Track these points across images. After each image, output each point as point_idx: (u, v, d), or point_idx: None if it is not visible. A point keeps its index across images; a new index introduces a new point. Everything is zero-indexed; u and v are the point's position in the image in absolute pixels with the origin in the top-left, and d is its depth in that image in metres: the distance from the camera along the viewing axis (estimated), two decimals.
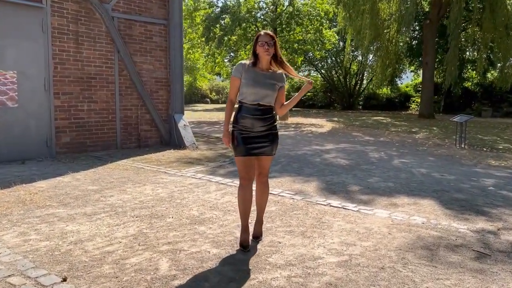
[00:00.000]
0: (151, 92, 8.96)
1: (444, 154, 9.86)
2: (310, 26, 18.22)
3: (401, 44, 25.28)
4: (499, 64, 24.07)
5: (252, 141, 3.33)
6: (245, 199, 3.36)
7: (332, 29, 20.13)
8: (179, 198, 4.82)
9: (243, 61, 3.46)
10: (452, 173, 7.15)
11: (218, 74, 28.53)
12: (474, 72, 26.10)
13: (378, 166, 7.66)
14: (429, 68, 21.00)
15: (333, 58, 29.91)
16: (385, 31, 22.05)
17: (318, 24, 17.99)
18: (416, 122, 18.40)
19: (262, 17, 18.04)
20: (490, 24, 20.57)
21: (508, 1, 21.54)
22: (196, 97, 42.01)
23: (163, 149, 8.76)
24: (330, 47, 21.65)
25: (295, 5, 18.25)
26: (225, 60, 23.41)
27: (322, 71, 31.30)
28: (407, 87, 33.16)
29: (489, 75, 26.77)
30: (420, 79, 31.70)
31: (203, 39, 17.98)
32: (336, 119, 21.02)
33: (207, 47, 18.53)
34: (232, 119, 3.44)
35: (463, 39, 21.86)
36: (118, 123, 8.46)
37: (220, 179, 5.89)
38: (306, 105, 35.89)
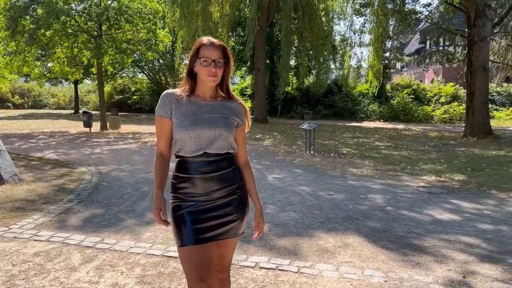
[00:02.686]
0: None
1: (304, 164, 9.65)
2: (141, 25, 16.41)
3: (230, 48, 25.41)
4: (314, 71, 26.49)
5: (205, 217, 1.95)
6: None
7: (165, 30, 18.72)
8: None
9: (170, 91, 2.04)
10: (334, 189, 6.75)
11: (27, 75, 23.96)
12: (295, 77, 28.06)
13: (259, 187, 6.69)
14: (261, 74, 21.50)
15: (162, 60, 28.41)
16: (217, 34, 21.70)
17: (151, 24, 16.32)
18: (255, 128, 18.45)
19: (85, 11, 15.42)
20: (309, 33, 22.22)
21: (322, 13, 23.61)
22: None
23: None
24: (163, 48, 20.17)
25: (121, 1, 16.21)
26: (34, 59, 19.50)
27: (150, 73, 29.48)
28: (233, 91, 33.87)
29: (305, 80, 29.14)
30: (246, 83, 32.83)
31: (8, 33, 14.38)
32: None
33: (14, 42, 14.94)
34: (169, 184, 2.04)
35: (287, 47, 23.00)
36: None
37: (81, 238, 4.05)
38: (133, 109, 33.52)
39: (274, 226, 4.63)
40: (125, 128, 18.41)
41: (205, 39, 1.95)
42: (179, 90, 2.02)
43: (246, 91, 31.87)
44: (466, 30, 17.53)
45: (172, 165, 2.02)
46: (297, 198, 6.09)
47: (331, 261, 3.66)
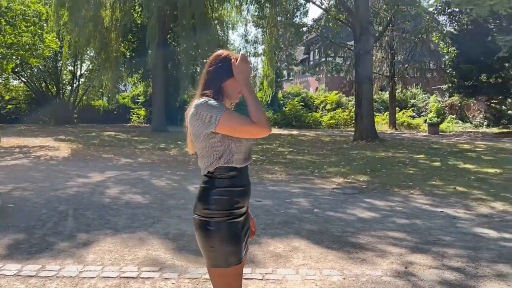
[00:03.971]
0: None
1: None
2: (23, 28, 14.93)
3: (117, 54, 24.38)
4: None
5: (245, 230, 2.06)
6: None
7: (51, 34, 17.23)
8: None
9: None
10: (260, 196, 6.96)
11: None
12: (191, 85, 27.90)
13: (186, 198, 6.70)
14: (159, 82, 21.04)
15: (42, 66, 26.07)
16: (108, 39, 20.67)
17: (36, 27, 14.94)
18: (156, 137, 18.00)
19: None
20: (205, 42, 22.37)
21: (215, 22, 23.97)
22: None
23: None
24: (49, 54, 18.55)
25: (0, 2, 14.59)
26: None
27: (28, 80, 26.83)
28: (124, 98, 32.45)
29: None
30: (138, 90, 31.74)
31: None
32: (63, 137, 18.16)
33: None
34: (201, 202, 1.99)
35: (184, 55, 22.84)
36: None
37: (17, 267, 3.60)
38: (8, 120, 30.07)
39: None
40: (6, 141, 16.47)
41: (239, 56, 1.99)
42: None
43: (139, 99, 30.83)
44: (348, 43, 19.35)
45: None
46: None
47: (289, 265, 3.83)
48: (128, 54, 27.52)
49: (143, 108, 30.09)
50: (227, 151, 1.92)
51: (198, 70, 26.05)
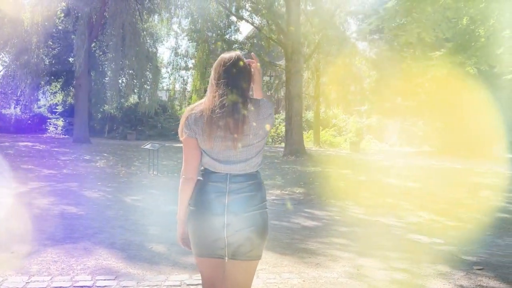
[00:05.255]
0: None
1: (154, 184, 9.47)
2: None
3: (37, 60, 22.83)
4: (136, 90, 26.02)
5: None
6: None
7: None
8: None
9: None
10: None
11: None
12: (118, 96, 26.86)
13: (125, 210, 6.44)
14: (83, 91, 19.99)
15: None
16: (30, 43, 19.31)
17: None
18: (78, 148, 17.00)
19: None
20: (133, 53, 21.79)
21: (144, 33, 23.47)
22: None
23: None
24: None
25: None
26: None
27: None
28: (39, 107, 30.31)
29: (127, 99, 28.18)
30: (56, 99, 29.83)
31: None
32: None
33: None
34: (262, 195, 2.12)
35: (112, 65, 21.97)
36: None
37: None
38: None
39: (171, 246, 4.52)
40: None
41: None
42: None
43: (57, 109, 28.97)
44: (277, 63, 20.05)
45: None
46: (173, 218, 6.00)
47: None
48: (48, 60, 25.88)
49: (62, 118, 28.36)
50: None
51: (125, 80, 25.26)
